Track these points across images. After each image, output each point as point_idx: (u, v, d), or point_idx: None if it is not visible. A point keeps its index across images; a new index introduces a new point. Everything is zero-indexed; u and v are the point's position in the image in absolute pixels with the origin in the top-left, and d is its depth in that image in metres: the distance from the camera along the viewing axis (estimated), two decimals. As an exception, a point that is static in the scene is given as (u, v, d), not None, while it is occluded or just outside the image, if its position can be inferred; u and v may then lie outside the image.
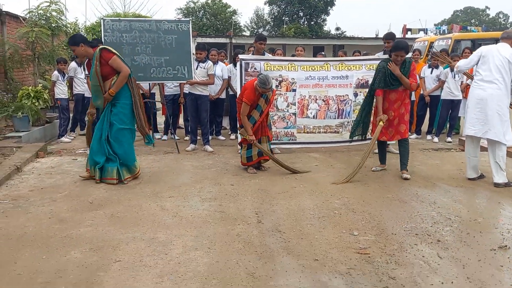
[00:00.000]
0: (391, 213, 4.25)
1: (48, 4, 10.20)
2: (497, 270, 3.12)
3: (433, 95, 8.18)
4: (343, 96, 7.01)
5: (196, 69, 6.97)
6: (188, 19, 7.83)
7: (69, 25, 13.16)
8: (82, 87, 8.19)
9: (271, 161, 5.91)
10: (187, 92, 7.26)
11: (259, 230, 3.82)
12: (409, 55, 6.33)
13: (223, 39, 27.35)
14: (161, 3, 44.50)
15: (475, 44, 12.46)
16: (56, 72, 8.17)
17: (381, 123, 5.44)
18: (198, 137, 7.32)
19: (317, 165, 6.21)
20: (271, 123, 6.43)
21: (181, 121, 8.67)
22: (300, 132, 6.97)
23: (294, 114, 6.93)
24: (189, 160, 6.40)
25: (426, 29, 23.61)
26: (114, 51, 5.25)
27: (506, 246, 3.50)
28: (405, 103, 5.62)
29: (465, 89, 7.67)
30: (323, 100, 6.97)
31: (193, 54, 7.14)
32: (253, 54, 7.16)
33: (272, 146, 6.11)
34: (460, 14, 64.91)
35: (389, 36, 6.99)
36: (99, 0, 30.29)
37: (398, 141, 5.72)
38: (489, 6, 67.16)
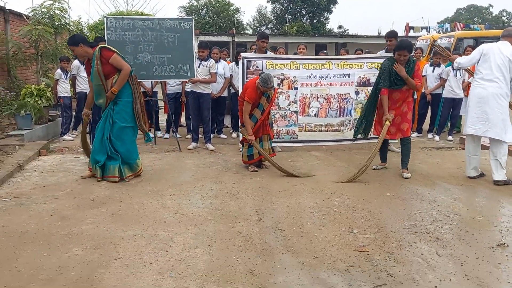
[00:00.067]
0: (390, 211, 4.27)
1: (51, 2, 10.25)
2: (495, 268, 3.13)
3: (435, 94, 8.18)
4: (345, 94, 7.02)
5: (198, 67, 6.99)
6: (190, 17, 7.86)
7: (72, 23, 13.23)
8: (85, 85, 8.17)
9: (272, 159, 5.93)
10: (189, 90, 7.28)
11: (259, 227, 3.85)
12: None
13: (226, 38, 27.36)
14: (164, 1, 44.47)
15: (478, 42, 12.41)
16: (59, 70, 8.21)
17: (387, 122, 5.43)
18: (200, 136, 7.34)
19: (318, 163, 6.22)
20: (273, 121, 6.45)
21: (182, 119, 8.70)
22: (301, 131, 6.99)
23: (296, 112, 6.95)
24: (191, 158, 6.43)
25: (429, 27, 23.61)
26: (113, 49, 5.27)
27: (504, 244, 3.52)
28: (408, 102, 5.62)
29: (467, 88, 7.67)
30: (324, 98, 6.98)
31: (195, 52, 7.16)
32: (255, 52, 7.18)
33: (273, 144, 6.13)
34: (463, 12, 64.69)
35: (391, 34, 7.00)
36: (102, -2, 30.28)
37: (400, 140, 5.72)
38: (492, 4, 66.84)
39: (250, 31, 40.12)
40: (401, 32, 23.59)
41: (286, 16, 41.37)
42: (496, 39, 5.39)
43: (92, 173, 5.32)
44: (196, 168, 5.90)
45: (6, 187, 4.94)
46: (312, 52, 18.05)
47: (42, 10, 10.18)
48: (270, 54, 7.18)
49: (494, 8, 64.55)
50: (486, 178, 5.39)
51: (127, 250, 3.37)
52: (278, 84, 6.75)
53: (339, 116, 7.04)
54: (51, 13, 10.32)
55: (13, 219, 3.97)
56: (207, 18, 39.75)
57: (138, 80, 5.73)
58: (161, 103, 8.98)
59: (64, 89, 8.14)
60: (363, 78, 7.01)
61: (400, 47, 5.40)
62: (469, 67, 6.10)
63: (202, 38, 23.45)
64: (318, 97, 6.97)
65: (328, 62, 7.01)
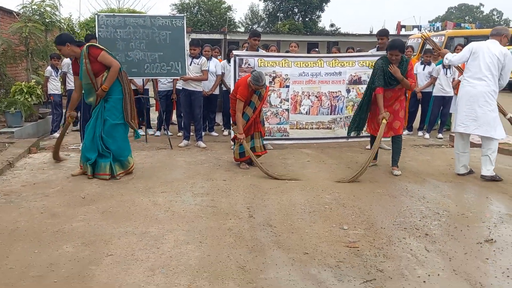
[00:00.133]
0: (380, 208, 4.31)
1: (42, -1, 10.16)
2: (482, 263, 3.18)
3: (425, 92, 8.25)
4: (336, 92, 7.06)
5: (190, 65, 6.99)
6: (182, 15, 7.84)
7: (63, 21, 13.10)
8: (75, 83, 8.17)
9: (264, 157, 5.95)
10: (181, 88, 7.28)
11: (251, 224, 3.86)
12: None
13: (218, 35, 27.35)
14: (156, -2, 44.36)
15: (469, 41, 12.49)
16: (49, 68, 8.17)
17: (384, 120, 5.43)
18: (191, 133, 7.35)
19: (309, 161, 6.25)
20: (264, 119, 6.47)
21: (174, 117, 8.69)
22: (292, 128, 7.02)
23: (287, 110, 6.97)
24: (182, 156, 6.43)
25: (420, 26, 23.76)
26: (101, 47, 5.25)
27: (492, 239, 3.57)
28: (400, 100, 5.65)
29: (457, 86, 7.73)
30: (316, 96, 7.01)
31: (187, 50, 7.15)
32: (247, 50, 7.19)
33: (265, 142, 6.15)
34: (454, 11, 65.20)
35: (382, 33, 7.04)
36: (93, -4, 30.09)
37: (392, 138, 5.75)
38: (483, 3, 67.47)
39: (242, 29, 40.12)
40: (392, 31, 23.75)
41: (278, 14, 41.43)
42: (486, 38, 5.45)
43: (82, 170, 5.31)
44: (187, 165, 5.90)
45: (-4, 184, 4.91)
46: (304, 50, 18.07)
47: (33, 7, 10.09)
48: (262, 52, 7.19)
49: (485, 7, 65.36)
50: (475, 175, 5.46)
51: (118, 247, 3.37)
52: (270, 82, 6.77)
53: (330, 114, 7.07)
54: (42, 10, 10.21)
55: (3, 216, 3.95)
56: (199, 16, 39.68)
57: (129, 78, 5.70)
58: (152, 101, 8.96)
59: (54, 87, 8.10)
60: (354, 76, 7.05)
61: (392, 46, 5.40)
62: (459, 65, 6.17)
63: (194, 36, 23.44)
64: (309, 95, 6.99)
65: (320, 60, 7.04)
